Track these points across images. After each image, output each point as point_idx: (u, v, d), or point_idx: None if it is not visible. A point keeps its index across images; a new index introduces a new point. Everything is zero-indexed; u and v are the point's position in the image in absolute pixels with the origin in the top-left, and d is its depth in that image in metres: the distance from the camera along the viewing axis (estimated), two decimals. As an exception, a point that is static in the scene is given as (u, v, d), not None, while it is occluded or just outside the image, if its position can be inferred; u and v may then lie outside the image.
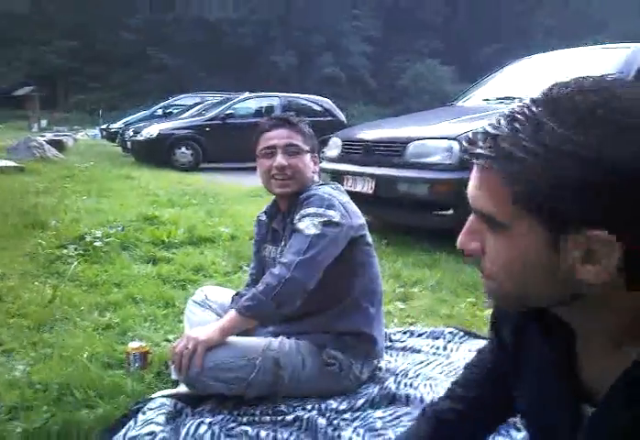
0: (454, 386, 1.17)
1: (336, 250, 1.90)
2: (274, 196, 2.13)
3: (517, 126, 0.67)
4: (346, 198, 2.02)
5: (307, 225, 1.86)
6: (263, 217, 2.21)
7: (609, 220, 0.64)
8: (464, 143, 0.74)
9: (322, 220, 1.86)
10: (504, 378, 0.98)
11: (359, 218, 2.02)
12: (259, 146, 2.05)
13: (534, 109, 0.67)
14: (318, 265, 1.85)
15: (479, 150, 0.70)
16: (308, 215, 1.88)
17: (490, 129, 0.70)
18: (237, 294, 2.19)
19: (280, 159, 1.98)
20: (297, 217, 1.92)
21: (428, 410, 1.19)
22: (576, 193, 0.64)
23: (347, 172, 4.71)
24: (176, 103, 16.99)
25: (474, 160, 0.72)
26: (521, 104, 0.70)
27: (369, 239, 2.07)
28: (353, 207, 2.01)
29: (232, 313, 1.85)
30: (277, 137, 2.01)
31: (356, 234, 1.98)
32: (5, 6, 34.82)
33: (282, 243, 2.05)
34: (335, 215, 1.88)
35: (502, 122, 0.69)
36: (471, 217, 0.77)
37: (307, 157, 2.04)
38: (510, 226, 0.70)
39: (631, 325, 0.71)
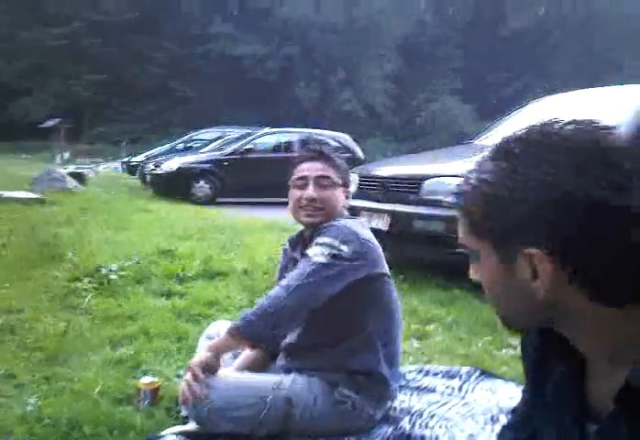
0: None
1: (339, 284, 1.87)
2: (301, 227, 2.13)
3: (472, 168, 0.82)
4: (368, 234, 1.99)
5: (316, 253, 1.86)
6: (287, 246, 2.20)
7: (538, 239, 0.72)
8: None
9: (331, 252, 1.85)
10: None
11: (379, 256, 1.99)
12: (293, 176, 2.07)
13: (486, 153, 0.82)
14: (316, 293, 1.83)
15: (455, 192, 0.84)
16: (321, 244, 1.87)
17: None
18: None
19: (310, 191, 1.99)
20: (312, 243, 1.92)
21: None
22: (502, 216, 0.75)
23: (364, 208, 4.72)
24: (197, 137, 17.29)
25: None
26: (481, 156, 0.83)
27: (387, 277, 2.03)
28: (373, 245, 1.97)
29: (224, 334, 1.85)
30: (310, 168, 2.02)
31: (372, 271, 1.95)
32: (40, 40, 35.92)
33: None
34: (346, 250, 1.86)
35: (469, 167, 0.83)
36: None
37: (339, 190, 2.04)
38: (475, 253, 0.82)
39: (623, 345, 0.75)
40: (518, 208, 0.73)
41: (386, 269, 2.03)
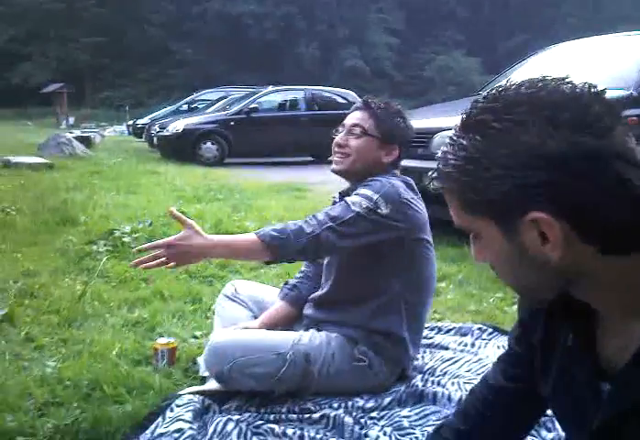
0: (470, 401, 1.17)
1: (372, 238, 1.84)
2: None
3: (446, 149, 0.80)
4: (411, 196, 1.93)
5: (354, 201, 1.83)
6: (337, 196, 2.15)
7: (539, 202, 0.72)
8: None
9: (369, 206, 1.81)
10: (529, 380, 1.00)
11: (420, 220, 1.93)
12: None
13: (455, 132, 0.80)
14: (345, 239, 1.80)
15: (434, 174, 0.82)
16: (361, 195, 1.84)
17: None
18: (286, 283, 2.23)
19: (339, 137, 2.00)
20: (354, 192, 1.89)
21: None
22: (497, 189, 0.73)
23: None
24: (201, 98, 17.08)
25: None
26: (453, 130, 0.81)
27: (428, 243, 2.00)
28: (416, 207, 1.92)
29: (245, 237, 1.83)
30: (351, 117, 2.02)
31: (409, 234, 1.91)
32: (35, 4, 35.35)
33: None
34: (384, 208, 1.82)
35: (443, 148, 0.81)
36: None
37: (372, 142, 1.98)
38: (477, 233, 0.81)
39: (632, 299, 0.76)
40: (507, 177, 0.72)
41: (427, 234, 1.99)
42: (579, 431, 0.86)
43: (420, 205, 1.95)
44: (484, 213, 0.77)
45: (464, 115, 0.79)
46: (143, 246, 1.72)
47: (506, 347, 1.11)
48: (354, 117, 2.01)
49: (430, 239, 2.01)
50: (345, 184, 2.11)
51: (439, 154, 0.80)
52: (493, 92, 0.79)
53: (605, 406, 0.79)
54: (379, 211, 1.82)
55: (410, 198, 1.90)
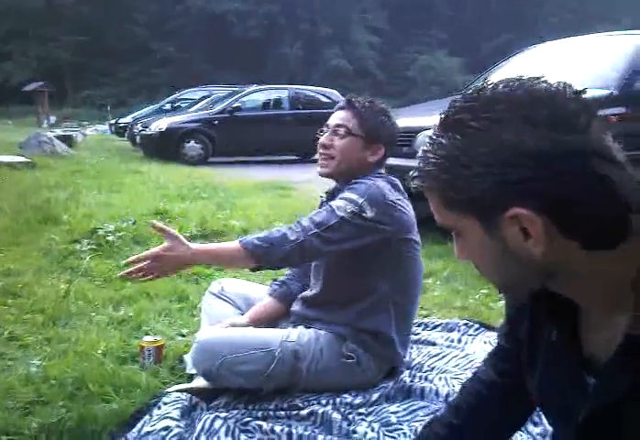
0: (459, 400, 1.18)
1: (357, 242, 1.84)
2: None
3: (425, 148, 0.80)
4: (397, 197, 1.92)
5: (339, 206, 1.82)
6: (324, 196, 2.14)
7: (519, 199, 0.72)
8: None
9: (354, 210, 1.81)
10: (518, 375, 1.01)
11: (406, 221, 1.93)
12: None
13: (434, 131, 0.80)
14: (330, 244, 1.80)
15: (415, 173, 0.82)
16: (346, 199, 1.84)
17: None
18: (275, 280, 2.24)
19: (323, 137, 1.98)
20: (339, 196, 1.89)
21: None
22: (478, 187, 0.73)
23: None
24: (184, 96, 16.99)
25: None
26: (432, 130, 0.82)
27: (415, 242, 1.99)
28: (402, 208, 1.91)
29: (228, 245, 1.83)
30: (334, 117, 2.00)
31: (395, 235, 1.90)
32: (16, 2, 34.92)
33: None
34: (369, 212, 1.81)
35: (423, 147, 0.81)
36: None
37: (357, 142, 1.96)
38: (459, 230, 0.81)
39: (616, 293, 0.76)
40: (488, 175, 0.73)
41: (414, 234, 1.98)
42: (566, 425, 0.87)
43: (406, 206, 1.94)
44: (465, 210, 0.78)
45: (442, 115, 0.80)
46: (131, 258, 1.75)
47: (493, 343, 1.12)
48: (337, 117, 1.99)
49: (418, 239, 2.01)
50: (331, 183, 2.11)
51: (420, 153, 0.81)
52: (471, 91, 0.80)
53: (591, 399, 0.79)
54: (364, 215, 1.81)
55: (395, 199, 1.90)
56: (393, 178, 2.02)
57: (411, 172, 0.82)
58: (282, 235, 1.77)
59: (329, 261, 1.97)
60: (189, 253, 1.71)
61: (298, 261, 1.89)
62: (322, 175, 2.01)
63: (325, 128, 2.01)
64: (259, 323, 2.08)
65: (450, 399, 1.87)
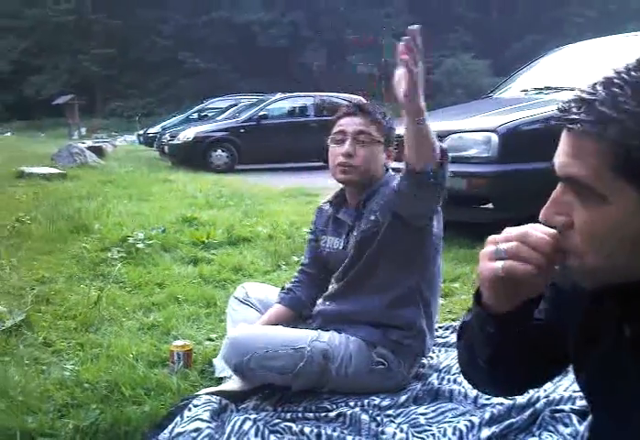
0: None
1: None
2: (340, 187, 2.12)
3: (615, 89, 0.66)
4: None
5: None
6: (327, 207, 2.17)
7: None
8: (556, 112, 0.72)
9: None
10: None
11: (439, 215, 1.99)
12: (331, 131, 2.01)
13: (632, 73, 0.67)
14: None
15: (574, 116, 0.68)
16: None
17: (585, 95, 0.69)
18: (282, 289, 2.22)
19: (347, 147, 1.94)
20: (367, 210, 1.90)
21: None
22: None
23: (384, 168, 4.69)
24: (210, 106, 17.21)
25: (570, 126, 0.70)
26: (616, 70, 0.69)
27: (441, 237, 2.03)
28: None
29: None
30: (349, 123, 1.96)
31: (430, 223, 1.96)
32: (46, 17, 35.79)
33: (352, 236, 2.02)
34: None
35: (598, 88, 0.68)
36: (558, 188, 0.75)
37: (379, 148, 1.98)
38: (607, 197, 0.68)
39: None
40: None
41: (439, 228, 2.00)
42: (618, 423, 0.82)
43: None
44: (638, 182, 0.66)
45: None
46: None
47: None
48: (355, 124, 1.95)
49: (440, 240, 2.03)
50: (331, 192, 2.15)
51: (591, 92, 0.68)
52: None
53: None
54: None
55: None
56: None
57: (564, 107, 0.70)
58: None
59: (374, 248, 1.95)
60: None
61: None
62: (344, 182, 2.01)
63: (339, 136, 1.97)
64: None
65: (479, 401, 1.87)
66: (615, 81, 0.67)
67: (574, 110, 0.69)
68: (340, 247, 2.06)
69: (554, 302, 0.95)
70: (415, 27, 1.36)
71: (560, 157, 0.73)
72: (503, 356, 0.94)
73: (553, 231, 0.76)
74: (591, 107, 0.67)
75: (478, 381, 1.09)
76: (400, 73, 1.44)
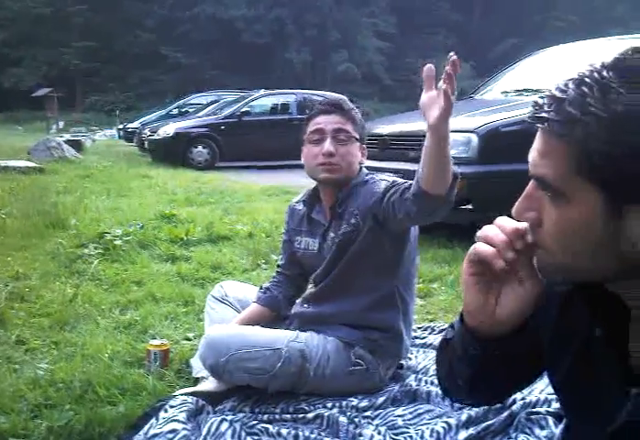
0: None
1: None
2: (313, 187, 2.10)
3: (585, 89, 0.65)
4: None
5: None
6: (300, 206, 2.15)
7: None
8: (530, 107, 0.72)
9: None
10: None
11: None
12: (307, 130, 1.98)
13: (604, 73, 0.65)
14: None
15: (544, 114, 0.68)
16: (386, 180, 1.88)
17: (557, 93, 0.68)
18: (260, 288, 2.20)
19: (328, 146, 1.90)
20: (380, 191, 1.85)
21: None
22: (638, 163, 0.61)
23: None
24: (192, 101, 17.07)
25: (539, 125, 0.70)
26: (591, 68, 0.68)
27: (415, 234, 2.03)
28: None
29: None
30: (327, 122, 1.93)
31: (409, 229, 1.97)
32: (26, 8, 35.26)
33: (331, 236, 1.99)
34: None
35: (570, 85, 0.67)
36: (530, 184, 0.76)
37: (356, 145, 1.97)
38: (571, 198, 0.69)
39: None
40: None
41: (415, 229, 2.01)
42: (592, 426, 0.82)
43: None
44: (599, 182, 0.66)
45: (619, 57, 0.67)
46: None
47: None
48: (332, 122, 1.93)
49: (416, 239, 2.04)
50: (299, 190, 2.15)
51: (569, 91, 0.67)
52: None
53: (631, 411, 0.74)
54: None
55: None
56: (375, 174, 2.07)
57: (540, 107, 0.69)
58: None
59: (354, 251, 1.94)
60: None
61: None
62: (328, 182, 1.98)
63: (314, 135, 1.94)
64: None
65: (456, 404, 1.87)
66: (586, 80, 0.66)
67: (545, 108, 0.69)
68: (315, 249, 2.05)
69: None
70: (454, 55, 1.35)
71: (532, 155, 0.73)
72: (484, 375, 0.95)
73: (524, 224, 0.78)
74: (561, 106, 0.67)
75: (455, 394, 1.09)
76: (430, 97, 1.44)
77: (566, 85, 0.68)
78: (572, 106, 0.65)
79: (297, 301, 2.13)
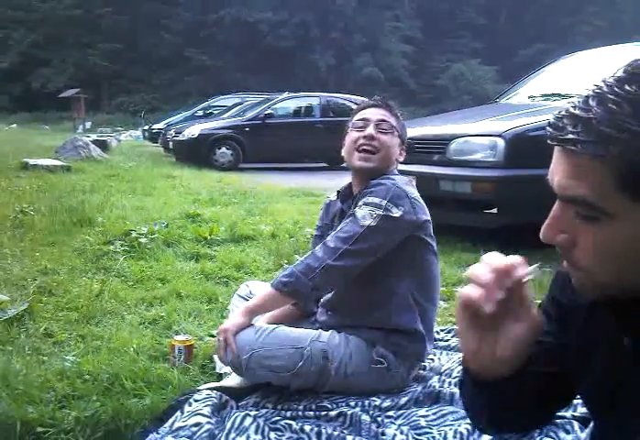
0: None
1: (389, 244, 1.87)
2: (348, 182, 2.11)
3: (612, 106, 0.64)
4: (416, 193, 1.97)
5: (364, 215, 1.84)
6: (334, 198, 2.18)
7: None
8: (548, 129, 0.70)
9: (380, 213, 1.83)
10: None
11: (425, 215, 1.97)
12: (352, 119, 2.04)
13: (626, 87, 0.64)
14: (363, 256, 1.84)
15: (571, 135, 0.66)
16: (370, 205, 1.85)
17: (579, 113, 0.66)
18: None
19: (370, 130, 1.96)
20: (360, 203, 1.89)
21: None
22: None
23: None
24: (216, 103, 17.20)
25: (566, 146, 0.68)
26: (604, 84, 0.67)
27: (432, 237, 2.02)
28: (421, 203, 1.96)
29: (265, 291, 1.89)
30: (373, 112, 2.01)
31: (418, 232, 1.94)
32: (55, 10, 35.88)
33: None
34: (395, 211, 1.84)
35: (592, 103, 0.66)
36: (557, 206, 0.73)
37: (396, 140, 2.01)
38: (615, 215, 0.67)
39: None
40: None
41: (429, 236, 2.00)
42: (622, 434, 0.81)
43: (424, 206, 1.97)
44: None
45: (633, 68, 0.67)
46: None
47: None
48: (378, 113, 2.01)
49: (433, 243, 2.02)
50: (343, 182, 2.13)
51: (585, 109, 0.66)
52: None
53: None
54: (391, 215, 1.84)
55: (416, 196, 1.95)
56: (407, 176, 2.08)
57: (568, 130, 0.67)
58: (305, 265, 1.81)
59: None
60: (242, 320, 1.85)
61: (334, 285, 1.91)
62: (364, 169, 1.98)
63: (359, 123, 2.00)
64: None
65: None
66: (610, 96, 0.65)
67: (569, 129, 0.67)
68: None
69: (556, 318, 0.95)
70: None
71: (559, 177, 0.71)
72: (503, 415, 0.95)
73: (515, 258, 0.77)
74: (589, 126, 0.65)
75: (478, 423, 1.07)
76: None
77: (586, 103, 0.67)
78: (603, 125, 0.64)
79: (320, 305, 2.13)
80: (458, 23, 43.08)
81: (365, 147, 1.97)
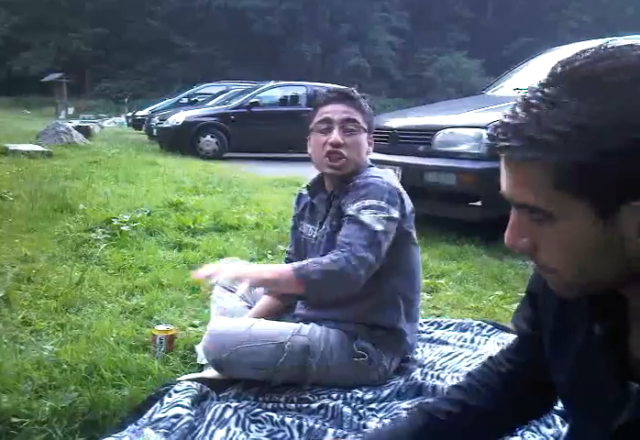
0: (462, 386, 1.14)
1: (388, 245, 1.83)
2: (319, 174, 2.05)
3: (535, 111, 0.66)
4: (399, 184, 1.92)
5: (372, 220, 1.75)
6: (305, 192, 2.12)
7: None
8: (486, 139, 0.73)
9: (384, 216, 1.77)
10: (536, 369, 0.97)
11: (410, 205, 1.93)
12: (314, 119, 1.92)
13: (546, 91, 0.67)
14: (377, 263, 1.77)
15: (504, 143, 0.68)
16: (369, 208, 1.77)
17: (508, 120, 0.69)
18: None
19: (336, 135, 1.85)
20: (354, 207, 1.79)
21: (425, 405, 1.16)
22: (613, 166, 0.62)
23: (373, 161, 4.66)
24: (201, 91, 17.07)
25: (502, 154, 0.70)
26: (530, 89, 0.69)
27: (412, 227, 1.98)
28: (405, 194, 1.91)
29: (286, 273, 1.70)
30: (335, 111, 1.86)
31: (403, 223, 1.89)
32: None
33: (325, 226, 1.96)
34: (393, 211, 1.80)
35: (518, 110, 0.68)
36: (513, 213, 0.76)
37: (364, 136, 1.92)
38: (557, 214, 0.69)
39: None
40: (630, 151, 0.61)
41: (412, 227, 1.97)
42: (596, 424, 0.83)
43: (406, 195, 1.93)
44: (581, 192, 0.66)
45: (562, 68, 0.68)
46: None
47: (505, 343, 1.09)
48: (341, 111, 1.87)
49: (413, 232, 1.98)
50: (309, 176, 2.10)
51: (520, 114, 0.67)
52: (601, 46, 0.68)
53: (633, 407, 0.75)
54: (392, 216, 1.80)
55: (401, 189, 1.90)
56: (382, 166, 2.04)
57: (498, 141, 0.69)
58: (329, 269, 1.67)
59: None
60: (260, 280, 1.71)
61: (350, 288, 1.79)
62: (335, 175, 1.92)
63: (322, 125, 1.88)
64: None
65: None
66: (532, 101, 0.67)
67: (501, 137, 0.69)
68: (313, 237, 2.02)
69: (532, 306, 0.98)
70: None
71: (506, 186, 0.73)
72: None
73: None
74: (518, 133, 0.67)
75: None
76: None
77: (513, 111, 0.69)
78: (530, 130, 0.66)
79: (299, 300, 2.09)
80: (446, 15, 43.06)
81: (333, 154, 1.87)
